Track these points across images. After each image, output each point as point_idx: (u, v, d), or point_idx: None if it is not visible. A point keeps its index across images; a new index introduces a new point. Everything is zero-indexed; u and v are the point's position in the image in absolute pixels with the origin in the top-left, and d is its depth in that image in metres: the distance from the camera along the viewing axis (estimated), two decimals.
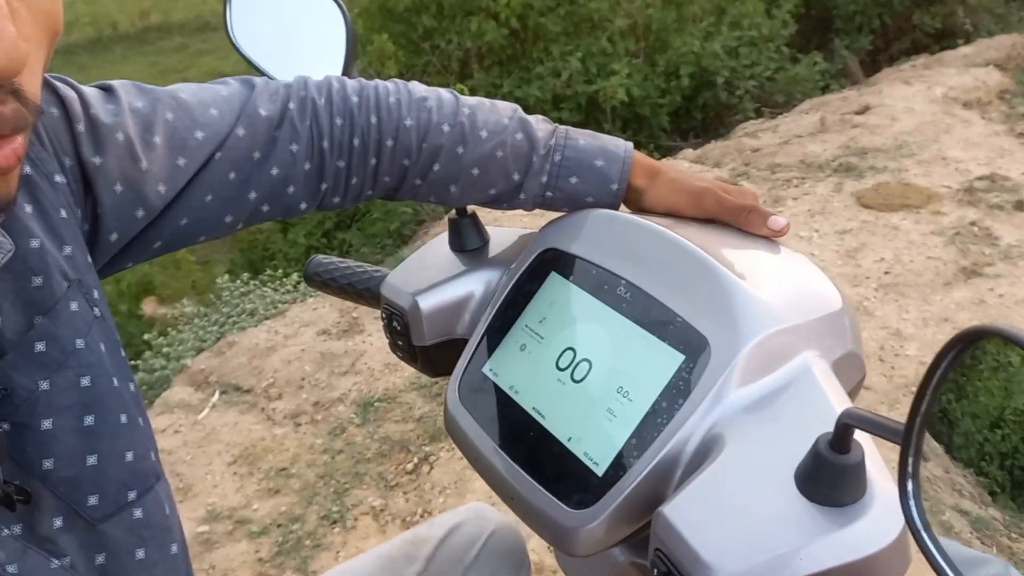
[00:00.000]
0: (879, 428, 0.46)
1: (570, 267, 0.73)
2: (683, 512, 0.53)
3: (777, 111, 6.00)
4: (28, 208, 0.59)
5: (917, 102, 4.81)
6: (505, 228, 0.88)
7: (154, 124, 0.67)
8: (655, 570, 0.54)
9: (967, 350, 0.37)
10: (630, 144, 0.80)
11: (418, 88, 0.79)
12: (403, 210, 5.22)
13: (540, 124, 0.79)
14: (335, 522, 2.30)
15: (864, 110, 4.86)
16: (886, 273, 3.20)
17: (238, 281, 3.93)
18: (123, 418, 0.63)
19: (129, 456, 0.63)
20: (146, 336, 3.72)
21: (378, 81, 0.79)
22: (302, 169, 0.74)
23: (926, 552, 0.42)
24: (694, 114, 6.90)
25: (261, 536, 2.27)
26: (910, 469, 0.41)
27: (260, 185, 0.73)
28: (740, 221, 0.74)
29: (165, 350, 3.43)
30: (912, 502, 0.41)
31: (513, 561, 1.00)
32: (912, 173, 3.96)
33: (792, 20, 7.21)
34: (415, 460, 2.51)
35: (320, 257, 0.95)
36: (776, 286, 0.64)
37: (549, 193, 0.79)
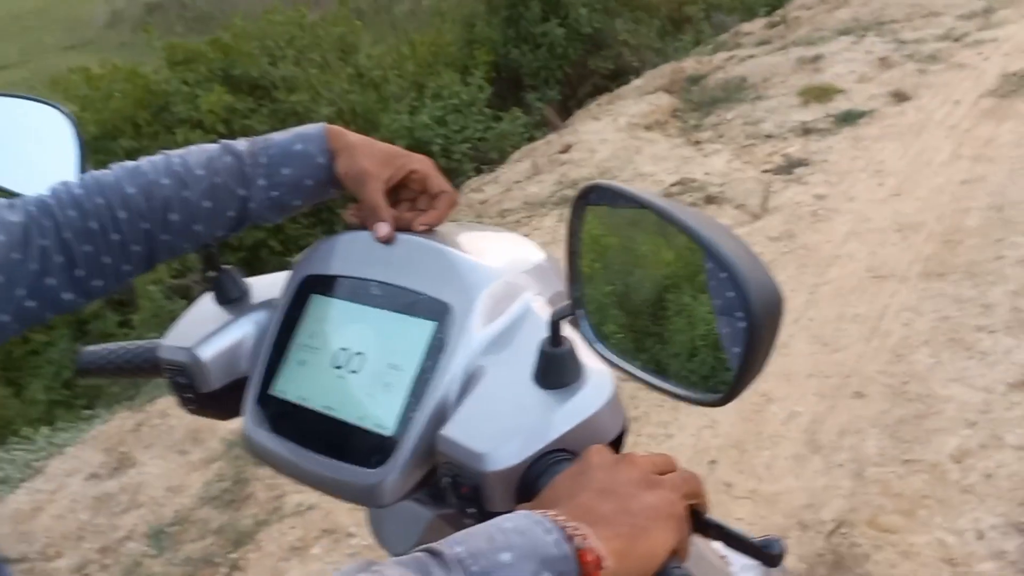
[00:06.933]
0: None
1: (328, 285, 0.84)
2: (455, 427, 0.68)
3: (494, 165, 6.45)
4: None
5: (608, 133, 5.39)
6: (261, 276, 0.97)
7: None
8: (445, 480, 0.67)
9: (586, 199, 0.54)
10: (323, 123, 0.91)
11: (131, 162, 0.87)
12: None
13: (241, 142, 0.89)
14: None
15: (567, 149, 5.37)
16: None
17: None
18: None
19: None
20: None
21: (97, 170, 0.87)
22: (56, 262, 0.80)
23: (604, 357, 0.58)
24: None
25: None
26: (578, 297, 0.57)
27: (23, 279, 0.78)
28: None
29: None
30: (585, 322, 0.57)
31: None
32: None
33: (487, 84, 7.79)
34: (224, 570, 2.45)
35: (88, 348, 0.99)
36: (493, 254, 0.80)
37: (275, 192, 0.88)
